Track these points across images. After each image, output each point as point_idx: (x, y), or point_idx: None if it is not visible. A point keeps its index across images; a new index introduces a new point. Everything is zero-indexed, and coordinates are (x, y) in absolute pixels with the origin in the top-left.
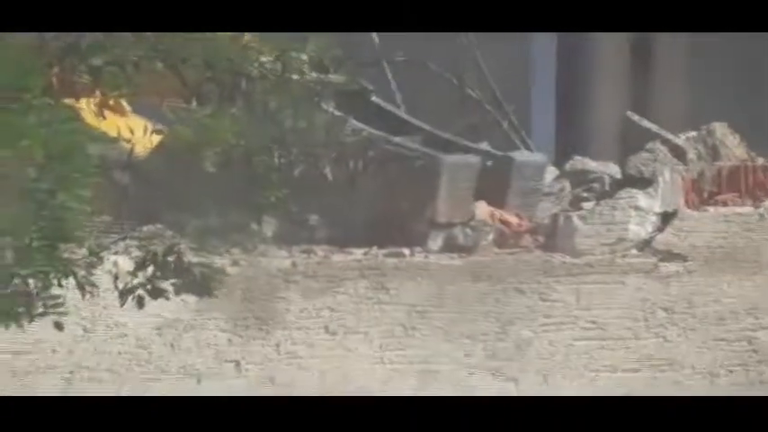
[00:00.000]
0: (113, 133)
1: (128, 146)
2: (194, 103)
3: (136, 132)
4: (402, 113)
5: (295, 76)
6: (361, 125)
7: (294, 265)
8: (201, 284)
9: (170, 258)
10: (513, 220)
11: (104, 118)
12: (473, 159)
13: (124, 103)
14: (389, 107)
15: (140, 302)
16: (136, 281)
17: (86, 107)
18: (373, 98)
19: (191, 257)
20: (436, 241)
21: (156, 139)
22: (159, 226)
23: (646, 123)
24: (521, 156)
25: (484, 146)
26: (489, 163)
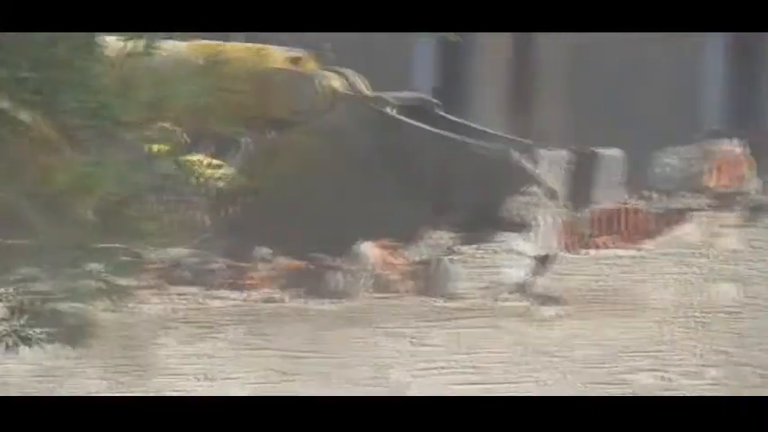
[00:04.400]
0: None
1: None
2: (68, 151)
3: None
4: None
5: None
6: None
7: (173, 311)
8: (75, 334)
9: (43, 307)
10: (399, 261)
11: None
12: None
13: None
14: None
15: (14, 349)
16: (3, 328)
17: None
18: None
19: (64, 306)
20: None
21: None
22: (35, 272)
23: (523, 164)
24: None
25: None
26: None
